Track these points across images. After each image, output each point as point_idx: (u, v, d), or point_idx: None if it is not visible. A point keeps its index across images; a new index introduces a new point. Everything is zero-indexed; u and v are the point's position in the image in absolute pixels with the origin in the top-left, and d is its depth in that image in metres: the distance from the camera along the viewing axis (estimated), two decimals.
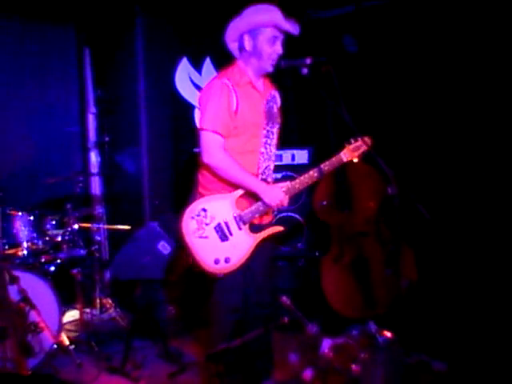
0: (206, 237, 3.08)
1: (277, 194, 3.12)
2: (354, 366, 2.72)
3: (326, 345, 2.86)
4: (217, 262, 3.08)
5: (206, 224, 3.08)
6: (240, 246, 3.12)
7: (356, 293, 4.40)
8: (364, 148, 3.17)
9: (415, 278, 4.29)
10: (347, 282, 4.45)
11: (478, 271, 4.37)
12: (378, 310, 4.25)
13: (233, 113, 3.10)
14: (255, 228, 3.19)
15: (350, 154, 3.20)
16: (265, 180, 3.23)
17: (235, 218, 3.12)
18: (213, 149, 3.09)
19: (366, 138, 3.19)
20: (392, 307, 4.16)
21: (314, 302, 4.47)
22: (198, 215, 3.09)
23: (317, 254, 4.78)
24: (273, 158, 3.32)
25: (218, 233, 3.10)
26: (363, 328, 2.87)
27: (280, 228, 3.28)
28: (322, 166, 3.18)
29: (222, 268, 3.10)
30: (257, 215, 3.16)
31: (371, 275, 4.39)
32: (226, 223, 3.11)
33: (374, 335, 2.80)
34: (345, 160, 3.20)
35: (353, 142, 3.20)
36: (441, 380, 3.61)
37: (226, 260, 3.09)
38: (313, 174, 3.16)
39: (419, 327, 3.91)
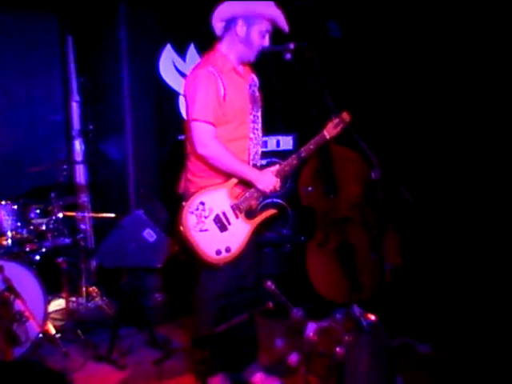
0: (206, 230, 3.10)
1: (269, 179, 3.16)
2: (338, 349, 2.73)
3: (311, 329, 2.88)
4: (218, 252, 3.11)
5: (205, 217, 3.10)
6: (239, 234, 3.16)
7: (341, 278, 4.42)
8: (343, 123, 3.19)
9: (399, 262, 4.32)
10: (332, 267, 4.47)
11: (462, 254, 4.40)
12: (363, 295, 4.28)
13: (221, 100, 3.10)
14: (249, 214, 3.22)
15: (332, 130, 3.23)
16: (255, 165, 3.26)
17: (232, 207, 3.15)
18: (206, 139, 3.09)
19: (345, 114, 3.21)
20: (377, 291, 4.19)
21: (299, 288, 4.49)
22: (197, 209, 3.10)
23: (302, 239, 4.80)
24: (260, 143, 3.35)
25: (217, 224, 3.12)
26: (347, 311, 2.88)
27: (273, 211, 3.34)
28: (306, 145, 3.22)
29: (224, 258, 3.13)
30: (252, 202, 3.21)
31: (356, 260, 4.42)
32: (224, 213, 3.14)
33: (358, 318, 2.81)
34: (328, 137, 3.24)
35: (333, 118, 3.22)
36: (425, 363, 3.65)
37: (227, 249, 3.12)
38: (299, 154, 3.20)
39: (404, 311, 3.94)
